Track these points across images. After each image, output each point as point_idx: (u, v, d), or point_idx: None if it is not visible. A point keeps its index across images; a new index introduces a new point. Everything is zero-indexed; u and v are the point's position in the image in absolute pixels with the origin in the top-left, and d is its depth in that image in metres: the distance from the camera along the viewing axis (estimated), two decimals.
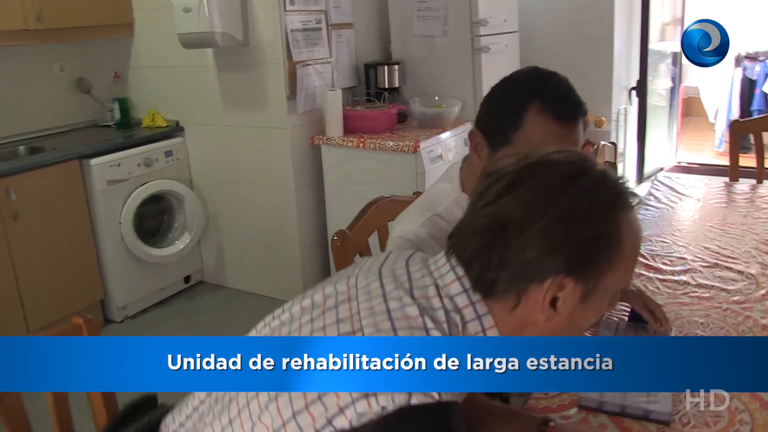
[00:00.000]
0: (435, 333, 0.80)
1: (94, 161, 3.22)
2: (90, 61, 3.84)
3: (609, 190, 0.85)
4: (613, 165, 2.30)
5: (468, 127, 3.54)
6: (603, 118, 3.91)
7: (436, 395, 0.74)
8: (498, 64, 3.66)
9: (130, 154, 3.39)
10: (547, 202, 0.83)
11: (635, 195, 0.87)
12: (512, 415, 1.09)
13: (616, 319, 1.48)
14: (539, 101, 1.23)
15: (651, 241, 1.90)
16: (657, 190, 2.34)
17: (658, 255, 1.79)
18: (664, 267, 1.72)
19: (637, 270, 1.72)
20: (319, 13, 3.37)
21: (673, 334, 1.35)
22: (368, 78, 3.68)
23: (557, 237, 0.82)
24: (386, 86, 3.65)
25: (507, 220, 0.83)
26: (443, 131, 3.41)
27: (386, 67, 3.64)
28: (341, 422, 0.74)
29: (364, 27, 3.73)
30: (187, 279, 3.86)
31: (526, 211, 0.83)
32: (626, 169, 4.12)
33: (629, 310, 1.44)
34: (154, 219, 3.72)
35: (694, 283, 1.60)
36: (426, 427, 0.74)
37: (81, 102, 3.84)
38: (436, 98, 3.61)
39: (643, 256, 1.78)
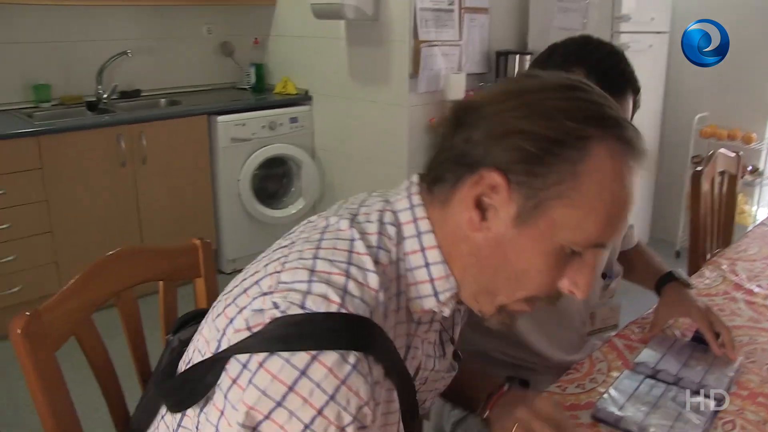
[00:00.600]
0: (359, 244, 0.71)
1: (220, 118, 3.40)
2: (235, 26, 4.06)
3: (599, 108, 0.70)
4: (733, 178, 2.05)
5: None
6: (753, 135, 3.51)
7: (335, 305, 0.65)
8: (638, 65, 3.42)
9: (256, 116, 3.55)
10: (518, 92, 0.71)
11: (643, 152, 0.71)
12: (481, 375, 1.05)
13: (677, 334, 1.33)
14: (583, 71, 1.14)
15: (756, 261, 1.68)
16: None
17: (755, 277, 1.59)
18: (756, 290, 1.51)
19: (724, 287, 1.54)
20: None
21: (739, 362, 1.19)
22: (498, 66, 3.58)
23: (507, 123, 0.69)
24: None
25: (468, 106, 0.73)
26: None
27: (518, 56, 3.51)
28: (239, 322, 0.67)
29: (501, 13, 3.62)
30: None
31: (491, 96, 0.72)
32: (763, 192, 3.69)
33: (695, 329, 1.28)
34: (274, 181, 3.88)
35: None
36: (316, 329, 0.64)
37: (223, 64, 4.08)
38: None
39: (736, 274, 1.58)
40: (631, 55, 3.60)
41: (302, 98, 3.83)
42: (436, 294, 0.76)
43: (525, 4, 3.68)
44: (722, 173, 2.01)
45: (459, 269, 0.75)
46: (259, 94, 3.91)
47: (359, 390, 0.63)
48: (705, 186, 1.88)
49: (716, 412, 1.05)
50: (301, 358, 0.62)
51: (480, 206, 0.71)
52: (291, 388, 0.61)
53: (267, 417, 0.62)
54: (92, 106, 3.41)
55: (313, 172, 3.81)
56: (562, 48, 1.20)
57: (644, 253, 1.57)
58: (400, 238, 0.75)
